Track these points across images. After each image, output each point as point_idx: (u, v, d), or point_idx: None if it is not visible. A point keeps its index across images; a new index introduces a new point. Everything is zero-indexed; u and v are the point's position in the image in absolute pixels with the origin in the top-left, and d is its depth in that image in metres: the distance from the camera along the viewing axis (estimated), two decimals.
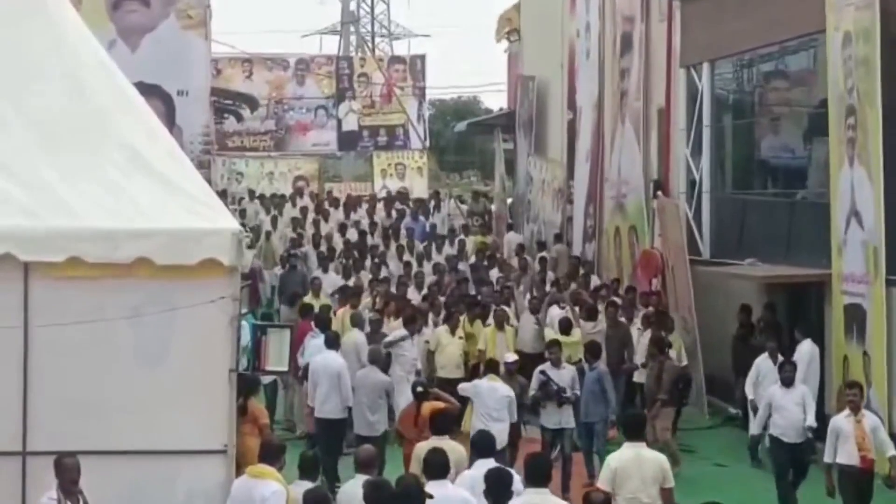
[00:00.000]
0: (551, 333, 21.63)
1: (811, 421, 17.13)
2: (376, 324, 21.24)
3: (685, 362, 22.03)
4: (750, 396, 19.48)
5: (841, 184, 19.96)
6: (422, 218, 34.71)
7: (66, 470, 10.75)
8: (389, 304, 22.83)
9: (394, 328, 21.35)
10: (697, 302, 23.52)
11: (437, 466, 11.32)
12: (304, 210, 34.87)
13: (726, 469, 19.88)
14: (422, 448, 13.71)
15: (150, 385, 11.32)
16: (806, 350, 19.70)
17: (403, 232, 32.29)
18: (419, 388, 16.64)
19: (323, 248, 30.37)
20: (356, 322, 21.56)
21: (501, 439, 16.19)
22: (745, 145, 26.60)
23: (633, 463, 12.56)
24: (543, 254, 30.38)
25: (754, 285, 23.28)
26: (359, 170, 48.30)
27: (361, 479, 11.55)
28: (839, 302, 20.07)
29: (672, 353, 21.51)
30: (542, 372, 18.55)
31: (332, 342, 18.82)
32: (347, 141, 45.79)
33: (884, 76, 18.59)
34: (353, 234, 31.90)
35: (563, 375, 18.63)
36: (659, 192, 26.48)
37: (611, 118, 29.44)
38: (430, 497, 10.34)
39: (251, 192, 38.99)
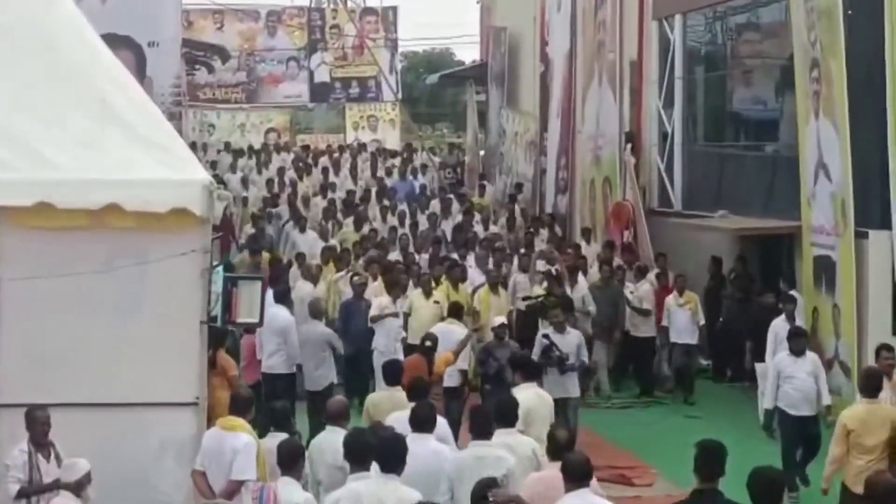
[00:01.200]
0: (539, 291, 20.94)
1: (826, 399, 15.94)
2: (360, 288, 20.55)
3: (703, 321, 21.50)
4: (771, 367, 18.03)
5: (808, 136, 19.99)
6: (409, 177, 33.81)
7: (37, 422, 10.78)
8: (371, 265, 22.04)
9: (375, 290, 20.72)
10: (669, 255, 23.57)
11: (425, 420, 11.38)
12: (281, 171, 33.94)
13: (698, 420, 19.95)
14: (376, 399, 13.81)
15: (122, 337, 11.34)
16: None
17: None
18: (428, 343, 16.13)
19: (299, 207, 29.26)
20: (307, 276, 21.46)
21: (455, 381, 16.58)
22: (717, 98, 26.67)
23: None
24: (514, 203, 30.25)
25: (725, 237, 23.36)
26: (331, 122, 48.20)
27: (333, 430, 11.60)
28: (809, 254, 20.15)
29: (688, 309, 21.28)
30: (546, 336, 17.48)
31: (282, 296, 18.28)
32: (319, 93, 45.62)
33: (846, 27, 18.58)
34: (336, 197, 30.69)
35: (569, 341, 17.50)
36: (628, 146, 26.52)
37: (584, 71, 29.39)
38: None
39: (227, 145, 38.57)
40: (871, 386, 12.95)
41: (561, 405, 16.35)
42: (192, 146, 31.09)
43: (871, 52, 18.44)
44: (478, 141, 41.13)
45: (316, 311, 18.39)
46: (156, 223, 11.27)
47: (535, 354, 17.00)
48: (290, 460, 10.42)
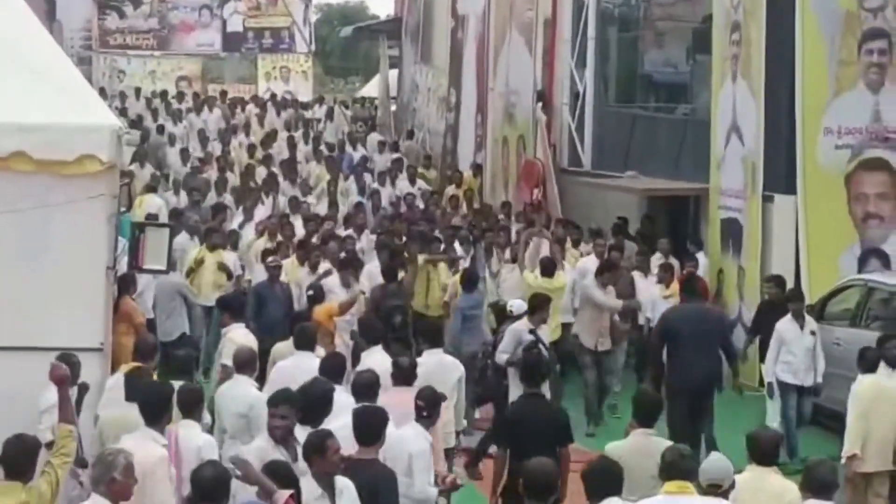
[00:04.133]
0: (530, 277, 17.46)
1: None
2: (275, 271, 17.77)
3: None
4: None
5: (722, 99, 20.19)
6: (349, 149, 31.55)
7: (77, 366, 10.52)
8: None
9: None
10: (577, 214, 23.68)
11: (335, 369, 11.35)
12: (202, 133, 30.99)
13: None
14: (280, 347, 13.71)
15: (27, 281, 11.20)
16: (701, 263, 19.76)
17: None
18: (310, 292, 16.18)
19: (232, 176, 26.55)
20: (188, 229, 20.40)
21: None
22: (629, 59, 26.76)
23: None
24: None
25: (635, 198, 23.49)
26: (242, 72, 47.79)
27: (239, 379, 11.57)
28: (716, 216, 20.36)
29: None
30: (533, 331, 14.70)
31: None
32: (232, 42, 45.32)
33: None
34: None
35: (544, 338, 14.97)
36: (540, 104, 26.57)
37: (497, 28, 29.39)
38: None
39: (137, 91, 37.96)
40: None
41: None
42: (102, 92, 30.64)
43: (783, 17, 18.66)
44: (389, 95, 41.04)
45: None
46: (64, 168, 11.14)
47: (508, 351, 14.67)
48: (190, 405, 10.30)
